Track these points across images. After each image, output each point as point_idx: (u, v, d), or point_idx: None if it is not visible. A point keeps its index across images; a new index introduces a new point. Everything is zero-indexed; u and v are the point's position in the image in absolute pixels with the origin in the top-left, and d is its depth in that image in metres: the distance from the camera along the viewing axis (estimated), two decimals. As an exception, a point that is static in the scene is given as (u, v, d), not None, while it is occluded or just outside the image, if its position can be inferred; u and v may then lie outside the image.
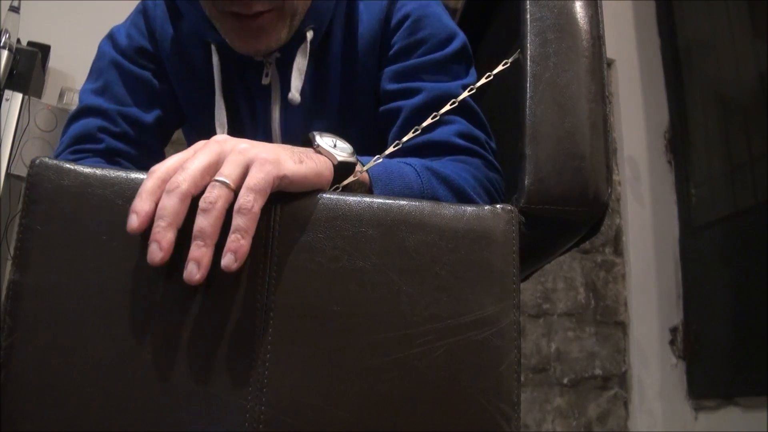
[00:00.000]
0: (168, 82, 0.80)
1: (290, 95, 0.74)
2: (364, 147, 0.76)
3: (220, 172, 0.47)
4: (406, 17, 0.76)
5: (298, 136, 0.78)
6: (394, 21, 0.76)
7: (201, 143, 0.50)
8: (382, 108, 0.76)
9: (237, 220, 0.46)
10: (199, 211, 0.46)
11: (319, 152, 0.54)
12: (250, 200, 0.46)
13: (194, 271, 0.45)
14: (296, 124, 0.79)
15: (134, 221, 0.45)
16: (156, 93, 0.79)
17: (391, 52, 0.76)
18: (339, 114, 0.79)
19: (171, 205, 0.45)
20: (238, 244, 0.45)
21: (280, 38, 0.72)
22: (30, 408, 0.44)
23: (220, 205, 0.46)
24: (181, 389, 0.45)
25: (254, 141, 0.51)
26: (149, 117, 0.78)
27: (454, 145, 0.70)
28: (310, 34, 0.74)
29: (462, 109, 0.71)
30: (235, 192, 0.47)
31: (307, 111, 0.78)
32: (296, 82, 0.74)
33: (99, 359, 0.45)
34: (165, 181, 0.47)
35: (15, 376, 0.44)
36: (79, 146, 0.74)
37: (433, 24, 0.76)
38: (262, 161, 0.48)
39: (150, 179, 0.47)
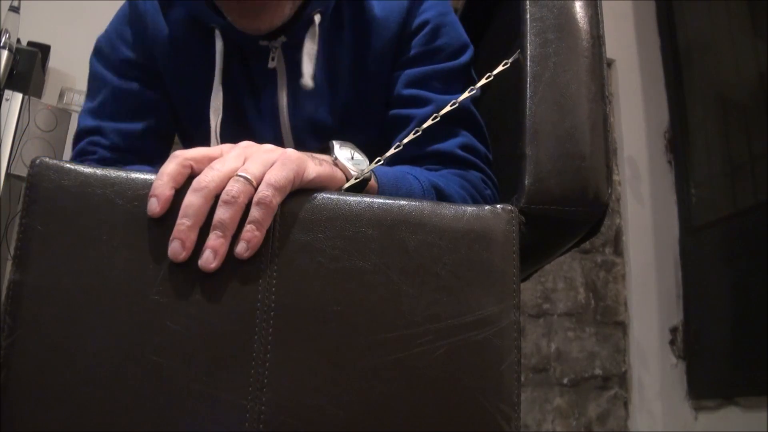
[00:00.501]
0: (159, 85, 0.80)
1: (302, 80, 0.74)
2: (368, 143, 0.77)
3: (243, 168, 0.49)
4: (425, 23, 0.76)
5: (306, 122, 0.78)
6: (414, 25, 0.76)
7: (228, 146, 0.52)
8: (392, 112, 0.76)
9: (254, 212, 0.47)
10: (220, 202, 0.47)
11: (336, 165, 0.56)
12: (269, 195, 0.47)
13: (210, 258, 0.46)
14: (304, 110, 0.78)
15: (155, 205, 0.47)
16: (146, 102, 0.80)
17: (408, 55, 0.76)
18: (346, 105, 0.79)
19: (197, 205, 0.47)
20: (253, 234, 0.47)
21: (284, 14, 0.72)
22: (30, 408, 0.44)
23: (242, 200, 0.47)
24: (181, 389, 0.45)
25: (278, 147, 0.53)
26: (139, 126, 0.79)
27: (456, 157, 0.72)
28: (317, 18, 0.74)
29: (467, 122, 0.74)
30: (256, 189, 0.48)
31: (316, 97, 0.78)
32: (308, 68, 0.74)
33: (99, 359, 0.45)
34: (186, 167, 0.48)
35: (15, 376, 0.44)
36: (78, 160, 0.77)
37: (449, 33, 0.77)
38: (284, 160, 0.50)
39: (171, 163, 0.48)
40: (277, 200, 0.48)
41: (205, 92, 0.77)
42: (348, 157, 0.57)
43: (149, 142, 0.80)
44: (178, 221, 0.46)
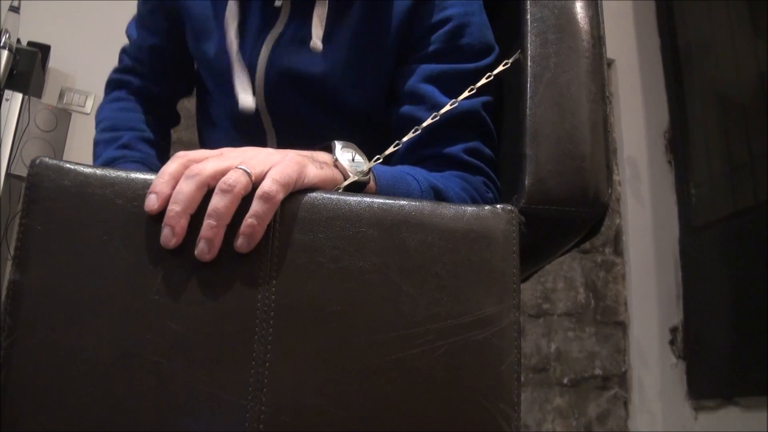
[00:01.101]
0: (173, 16, 0.85)
1: (312, 43, 0.74)
2: (357, 108, 0.77)
3: (243, 162, 0.49)
4: (448, 19, 0.74)
5: (287, 67, 0.77)
6: (434, 18, 0.75)
7: (229, 149, 0.52)
8: (402, 108, 0.75)
9: (256, 206, 0.47)
10: (216, 190, 0.47)
11: (336, 166, 0.56)
12: (273, 189, 0.47)
13: (205, 250, 0.46)
14: (284, 58, 0.77)
15: (153, 202, 0.47)
16: (158, 24, 0.88)
17: (427, 50, 0.75)
18: (336, 62, 0.77)
19: (188, 191, 0.47)
20: (253, 229, 0.47)
21: None
22: (30, 408, 0.44)
23: (238, 190, 0.47)
24: (181, 389, 0.45)
25: (280, 150, 0.53)
26: (150, 41, 0.89)
27: (461, 161, 0.72)
28: None
29: (476, 126, 0.73)
30: (254, 185, 0.48)
31: (303, 54, 0.77)
32: (317, 30, 0.74)
33: (99, 359, 0.45)
34: (188, 168, 0.48)
35: (15, 376, 0.44)
36: (117, 66, 0.93)
37: (474, 33, 0.75)
38: (287, 161, 0.50)
39: (174, 163, 0.49)
40: (280, 196, 0.48)
41: (213, 13, 0.79)
42: (349, 159, 0.57)
43: (158, 58, 0.89)
44: (168, 207, 0.46)
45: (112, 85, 0.92)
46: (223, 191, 0.47)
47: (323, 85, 0.77)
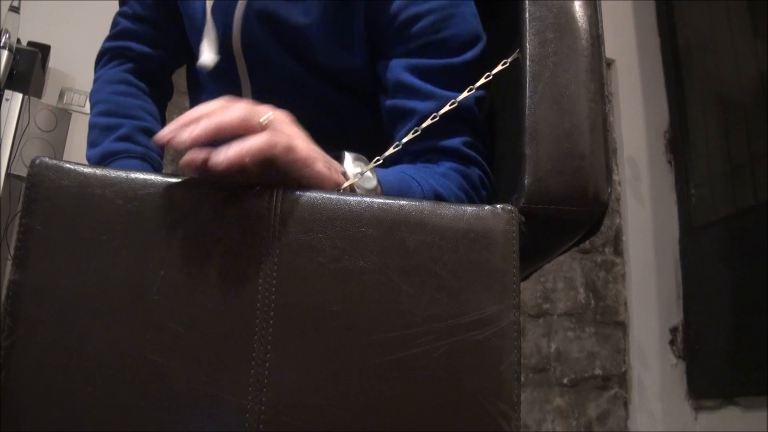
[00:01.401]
0: None
1: None
2: (324, 80, 0.78)
3: (269, 123, 0.50)
4: (430, 11, 0.73)
5: (257, 12, 0.77)
6: (416, 9, 0.73)
7: (267, 106, 0.53)
8: (391, 101, 0.75)
9: (249, 140, 0.48)
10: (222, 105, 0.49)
11: (344, 176, 0.56)
12: (273, 142, 0.49)
13: (182, 135, 0.48)
14: (263, 4, 0.77)
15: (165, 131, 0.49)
16: None
17: (412, 44, 0.74)
18: (309, 26, 0.77)
19: (209, 106, 0.49)
20: (227, 153, 0.47)
21: None
22: (30, 408, 0.44)
23: (248, 124, 0.49)
24: (181, 389, 0.45)
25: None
26: None
27: (460, 153, 0.72)
28: None
29: (469, 120, 0.73)
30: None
31: (283, 5, 0.77)
32: None
33: (99, 359, 0.45)
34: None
35: (15, 376, 0.44)
36: (112, 32, 0.90)
37: (458, 25, 0.74)
38: (303, 144, 0.51)
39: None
40: (275, 151, 0.49)
41: None
42: (357, 173, 0.57)
43: (160, 13, 0.87)
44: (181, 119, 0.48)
45: (107, 54, 0.89)
46: (237, 116, 0.48)
47: (299, 36, 0.76)
